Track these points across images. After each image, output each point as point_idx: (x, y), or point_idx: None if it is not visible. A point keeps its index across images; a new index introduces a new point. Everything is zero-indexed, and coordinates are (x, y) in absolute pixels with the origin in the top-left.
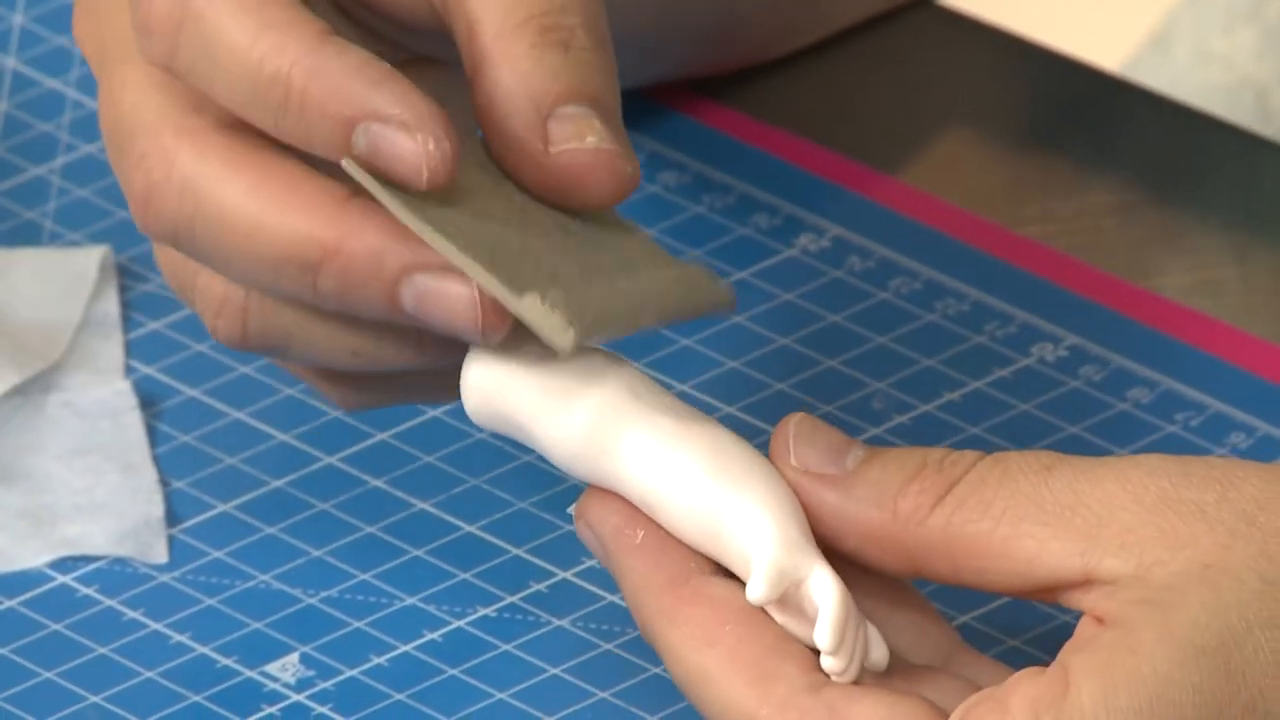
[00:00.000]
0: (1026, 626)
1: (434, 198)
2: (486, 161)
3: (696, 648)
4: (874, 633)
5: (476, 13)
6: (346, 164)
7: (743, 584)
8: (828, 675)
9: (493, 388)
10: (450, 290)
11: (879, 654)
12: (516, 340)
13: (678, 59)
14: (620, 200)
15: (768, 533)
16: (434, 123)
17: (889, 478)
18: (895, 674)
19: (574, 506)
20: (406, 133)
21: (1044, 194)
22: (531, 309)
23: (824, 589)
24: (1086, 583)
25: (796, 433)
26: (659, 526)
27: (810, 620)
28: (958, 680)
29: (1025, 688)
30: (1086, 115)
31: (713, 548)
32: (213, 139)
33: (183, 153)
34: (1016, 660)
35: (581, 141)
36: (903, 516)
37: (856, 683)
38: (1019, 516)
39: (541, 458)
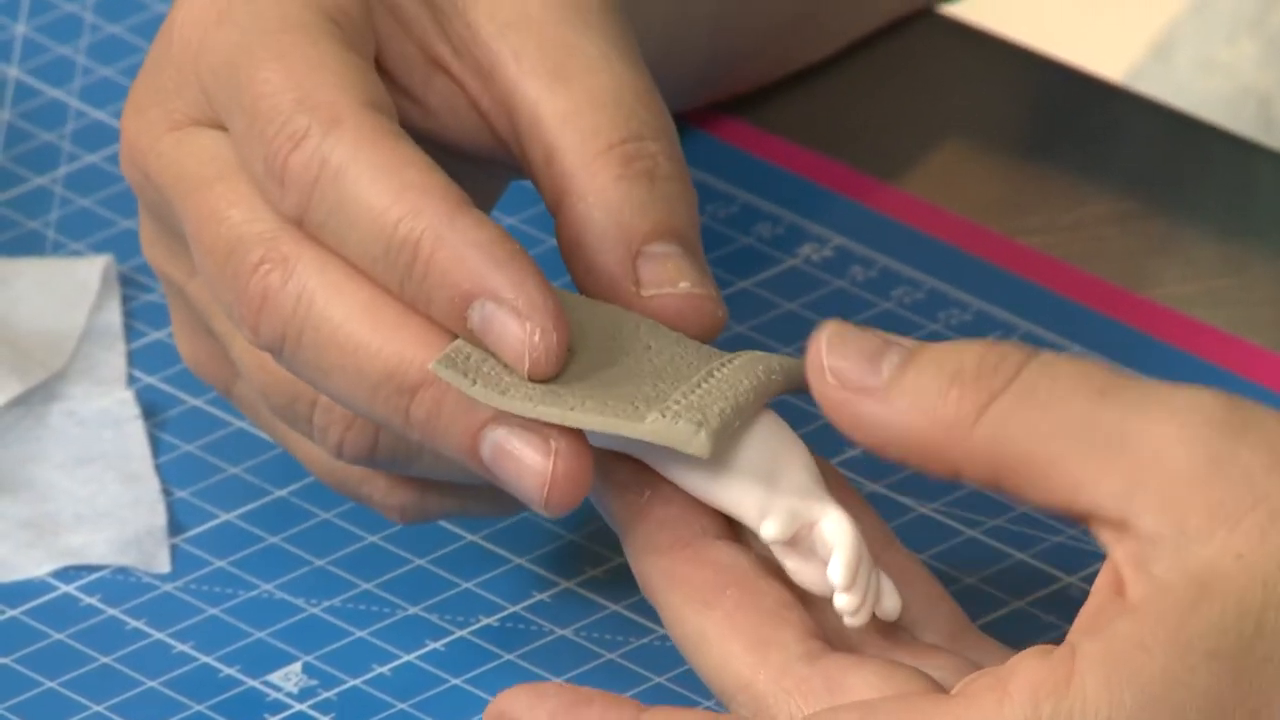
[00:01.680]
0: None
1: None
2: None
3: (696, 610)
4: (887, 582)
5: (554, 139)
6: (433, 367)
7: (745, 548)
8: (828, 640)
9: None
10: (525, 455)
11: (891, 602)
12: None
13: (678, 91)
14: (709, 342)
15: (784, 480)
16: (545, 314)
17: (926, 384)
18: (899, 649)
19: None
20: (517, 318)
21: (1046, 203)
22: (657, 429)
23: (837, 530)
24: (1122, 527)
25: (830, 344)
26: (664, 485)
27: (822, 562)
28: (962, 660)
29: (1029, 670)
30: (1088, 124)
31: (721, 497)
32: (332, 254)
33: (304, 261)
34: (1021, 622)
35: (674, 287)
36: (945, 425)
37: (854, 651)
38: (1066, 443)
39: None
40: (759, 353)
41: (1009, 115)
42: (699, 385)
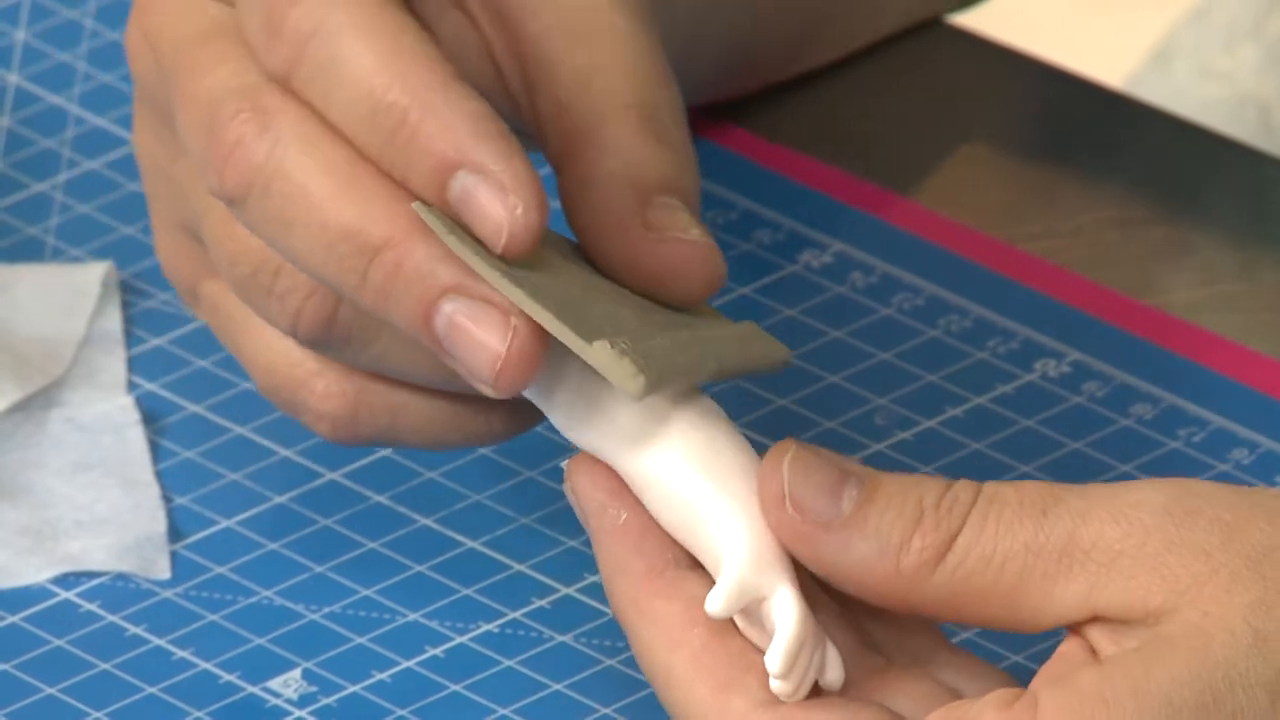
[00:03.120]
0: (1024, 644)
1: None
2: (560, 247)
3: (664, 645)
4: (833, 654)
5: (567, 94)
6: (416, 206)
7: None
8: None
9: None
10: (481, 330)
11: (834, 675)
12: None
13: (697, 86)
14: (707, 296)
15: (740, 545)
16: (529, 191)
17: (888, 528)
18: (869, 677)
19: (566, 462)
20: (500, 192)
21: (1047, 210)
22: (601, 354)
23: (784, 612)
24: (1093, 620)
25: (791, 471)
26: (643, 509)
27: (769, 634)
28: (933, 684)
29: (990, 717)
30: (1089, 131)
31: (689, 540)
32: (314, 113)
33: (284, 114)
34: (1000, 635)
35: (684, 232)
36: (907, 574)
37: (817, 693)
38: (1021, 568)
39: (544, 474)
40: (754, 329)
41: (1011, 122)
42: (667, 334)
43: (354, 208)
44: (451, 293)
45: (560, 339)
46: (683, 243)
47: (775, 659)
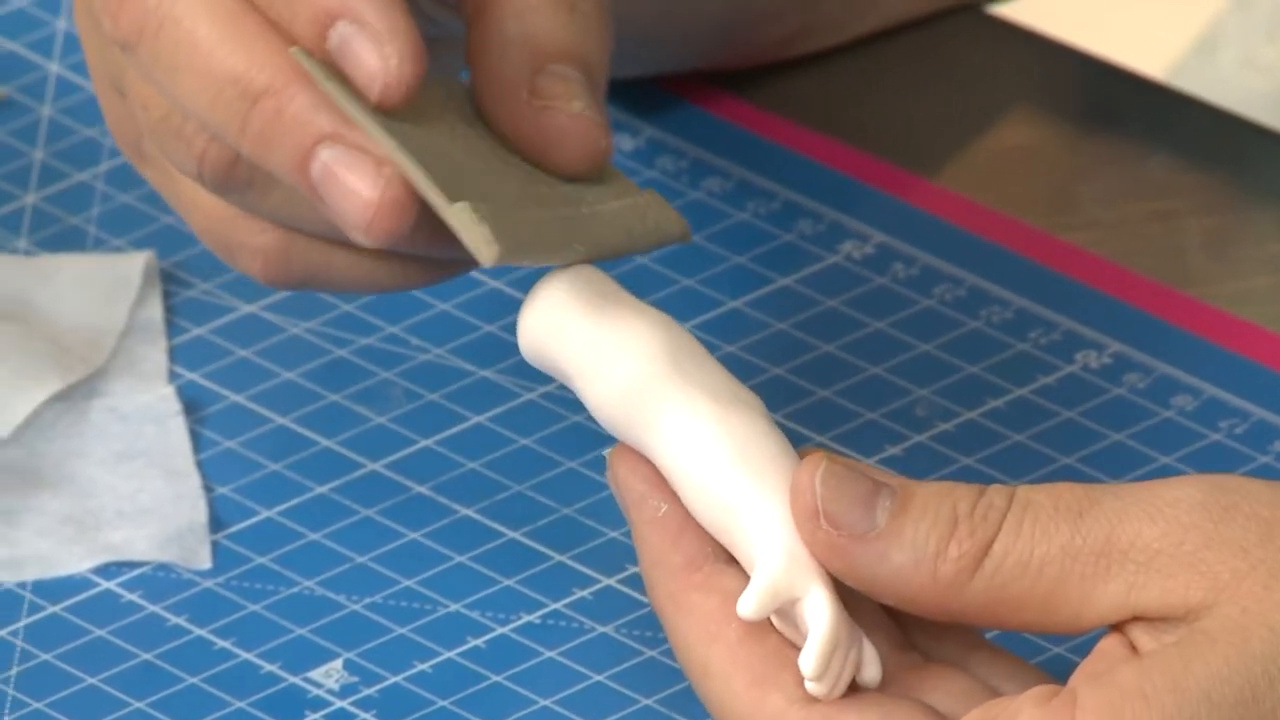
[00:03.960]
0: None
1: (386, 113)
2: (465, 113)
3: (700, 640)
4: (870, 651)
5: None
6: (294, 51)
7: None
8: None
9: (545, 335)
10: (354, 178)
11: (871, 672)
12: (573, 288)
13: (698, 47)
14: (589, 172)
15: (776, 544)
16: (405, 43)
17: (924, 537)
18: (907, 673)
19: (609, 451)
20: (375, 43)
21: (1089, 201)
22: (460, 216)
23: (817, 613)
24: (1134, 620)
25: (824, 486)
26: (682, 503)
27: (803, 634)
28: (971, 682)
29: (1028, 717)
30: (1132, 121)
31: (724, 537)
32: None
33: None
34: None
35: (567, 104)
36: (944, 582)
37: (854, 690)
38: (1059, 571)
39: (585, 465)
40: (654, 199)
41: (1054, 113)
42: (545, 210)
43: (239, 54)
44: (328, 140)
45: (424, 195)
46: (565, 114)
47: (809, 661)
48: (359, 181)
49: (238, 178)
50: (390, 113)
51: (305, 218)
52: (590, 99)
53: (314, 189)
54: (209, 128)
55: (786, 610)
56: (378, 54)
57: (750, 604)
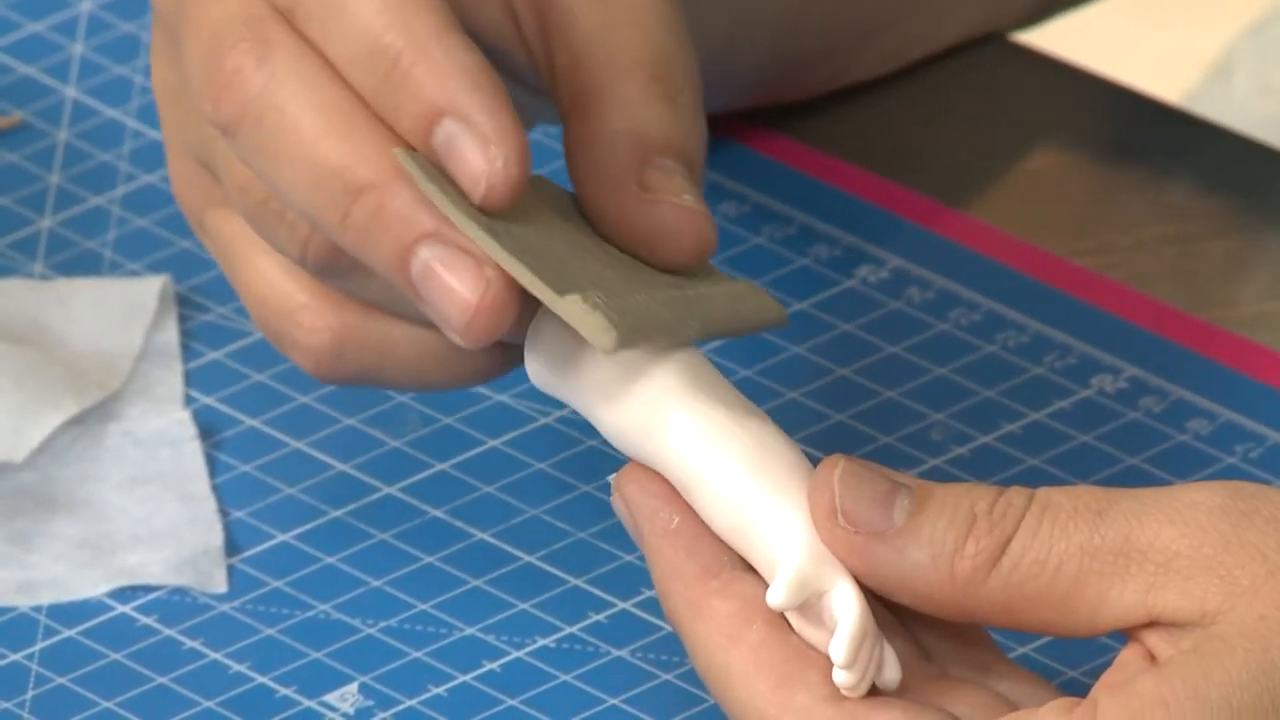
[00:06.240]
0: (1080, 660)
1: (487, 213)
2: (560, 205)
3: (721, 644)
4: (890, 653)
5: (582, 48)
6: (396, 152)
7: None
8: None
9: (552, 355)
10: (455, 278)
11: (891, 674)
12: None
13: (736, 88)
14: (697, 264)
15: (797, 539)
16: (511, 144)
17: (941, 535)
18: (926, 684)
19: (613, 477)
20: (482, 143)
21: (1104, 225)
22: (573, 308)
23: (845, 603)
24: (1151, 624)
25: (843, 485)
26: (695, 514)
27: (828, 630)
28: (991, 695)
29: None
30: (1147, 146)
31: (742, 544)
32: (314, 50)
33: (284, 48)
34: (1057, 650)
35: (676, 196)
36: (961, 580)
37: (874, 694)
38: (1076, 570)
39: (600, 489)
40: (748, 285)
41: (1069, 137)
42: (650, 293)
43: (342, 147)
44: (429, 239)
45: (532, 291)
46: (675, 207)
47: (840, 648)
48: (460, 282)
49: (341, 264)
50: (491, 212)
51: (407, 306)
52: (696, 192)
53: (414, 287)
54: (308, 218)
55: (810, 607)
56: (484, 155)
57: (780, 594)
